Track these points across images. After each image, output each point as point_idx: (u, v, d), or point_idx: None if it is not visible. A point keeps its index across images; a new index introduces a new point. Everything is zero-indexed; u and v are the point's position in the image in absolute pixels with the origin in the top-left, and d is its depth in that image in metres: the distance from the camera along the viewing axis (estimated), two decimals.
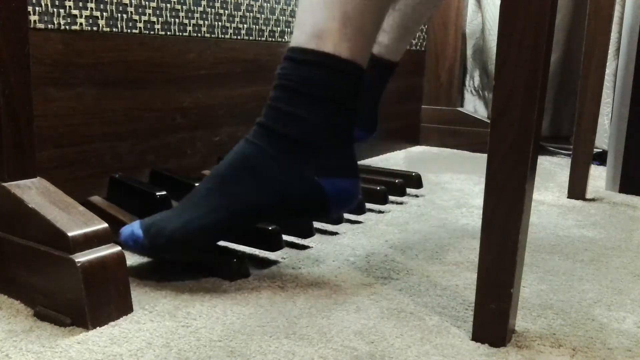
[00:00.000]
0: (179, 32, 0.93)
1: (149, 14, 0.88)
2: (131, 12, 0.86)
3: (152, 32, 0.89)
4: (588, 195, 1.15)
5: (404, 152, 1.60)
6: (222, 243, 0.73)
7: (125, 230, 0.67)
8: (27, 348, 0.52)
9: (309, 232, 0.81)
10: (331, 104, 0.66)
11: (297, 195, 0.66)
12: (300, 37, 0.65)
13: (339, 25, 0.63)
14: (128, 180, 0.84)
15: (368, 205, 0.96)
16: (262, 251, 0.77)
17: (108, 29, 0.83)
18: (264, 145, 0.66)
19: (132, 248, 0.67)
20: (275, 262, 0.75)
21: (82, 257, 0.56)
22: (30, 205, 0.59)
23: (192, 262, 0.72)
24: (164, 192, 0.80)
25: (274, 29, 1.11)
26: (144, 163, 0.90)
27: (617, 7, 1.39)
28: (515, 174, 0.51)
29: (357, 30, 0.64)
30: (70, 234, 0.56)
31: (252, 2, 1.06)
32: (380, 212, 1.00)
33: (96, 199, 0.82)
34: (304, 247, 0.81)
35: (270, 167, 0.65)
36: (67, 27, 0.78)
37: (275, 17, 1.11)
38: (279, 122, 0.66)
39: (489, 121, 0.53)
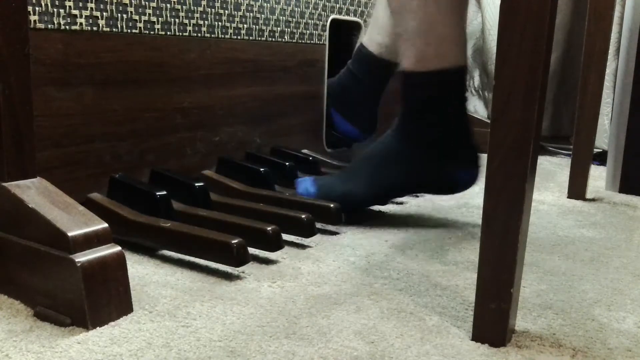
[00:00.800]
0: (179, 32, 0.93)
1: (149, 14, 0.88)
2: (131, 12, 0.86)
3: (152, 32, 0.89)
4: (588, 195, 1.15)
5: None
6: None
7: (302, 185, 0.94)
8: (27, 348, 0.52)
9: (309, 232, 0.81)
10: (449, 109, 0.87)
11: (432, 182, 0.91)
12: (409, 63, 0.85)
13: (436, 48, 0.82)
14: (128, 180, 0.84)
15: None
16: (262, 251, 0.77)
17: (108, 29, 0.83)
18: (405, 143, 0.89)
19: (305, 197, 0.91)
20: (275, 262, 0.75)
21: (82, 257, 0.56)
22: (30, 205, 0.59)
23: (195, 252, 0.72)
24: (164, 192, 0.80)
25: (274, 29, 1.11)
26: (144, 163, 0.90)
27: (617, 7, 1.39)
28: (515, 174, 0.51)
29: (449, 43, 0.83)
30: (70, 234, 0.56)
31: (252, 2, 1.06)
32: (380, 212, 1.00)
33: (96, 195, 0.82)
34: (304, 247, 0.81)
35: (412, 160, 0.89)
36: (67, 27, 0.78)
37: (275, 17, 1.11)
38: (416, 131, 0.88)
39: (489, 121, 0.53)
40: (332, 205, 0.87)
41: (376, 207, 1.01)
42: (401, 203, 1.06)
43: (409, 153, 0.88)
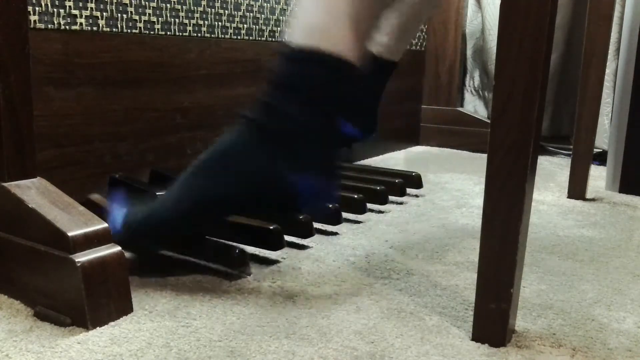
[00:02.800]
0: (179, 32, 0.93)
1: (149, 14, 0.88)
2: (131, 12, 0.86)
3: (152, 32, 0.89)
4: (588, 195, 1.15)
5: (404, 152, 1.60)
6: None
7: (112, 220, 0.66)
8: (27, 348, 0.52)
9: (309, 232, 0.81)
10: (313, 99, 0.64)
11: (266, 191, 0.65)
12: (293, 33, 0.65)
13: (330, 21, 0.63)
14: (128, 180, 0.84)
15: (368, 205, 0.96)
16: (262, 251, 0.77)
17: (108, 29, 0.83)
18: (245, 136, 0.65)
19: (115, 238, 0.62)
20: (275, 262, 0.75)
21: (82, 257, 0.56)
22: (30, 205, 0.59)
23: (192, 254, 0.72)
24: (164, 192, 0.80)
25: (274, 29, 1.11)
26: (144, 163, 0.90)
27: (617, 7, 1.39)
28: (515, 174, 0.51)
29: (348, 27, 0.64)
30: (70, 234, 0.56)
31: (252, 2, 1.06)
32: (380, 212, 1.00)
33: (96, 196, 0.82)
34: (304, 247, 0.81)
35: (246, 162, 0.64)
36: (67, 27, 0.78)
37: (275, 17, 1.11)
38: (263, 115, 0.65)
39: (489, 121, 0.53)
40: (330, 207, 0.85)
41: (376, 207, 1.01)
42: (401, 203, 1.06)
43: (239, 148, 0.65)
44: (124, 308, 0.59)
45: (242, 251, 0.69)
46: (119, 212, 0.67)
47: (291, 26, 0.66)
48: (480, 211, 0.53)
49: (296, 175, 0.65)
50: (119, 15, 0.84)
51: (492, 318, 0.54)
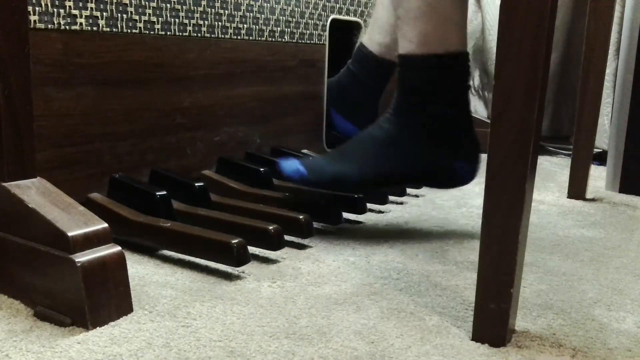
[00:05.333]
0: (179, 32, 0.93)
1: (149, 14, 0.88)
2: (131, 12, 0.86)
3: (152, 32, 0.89)
4: (588, 195, 1.15)
5: None
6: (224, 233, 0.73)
7: (289, 167, 0.85)
8: (27, 348, 0.52)
9: (309, 232, 0.81)
10: (451, 96, 0.82)
11: (428, 172, 0.85)
12: (409, 46, 0.80)
13: (439, 29, 0.79)
14: (128, 180, 0.84)
15: (368, 205, 0.96)
16: (262, 251, 0.77)
17: (108, 29, 0.83)
18: (402, 128, 0.83)
19: (296, 181, 0.85)
20: (275, 262, 0.75)
21: (82, 257, 0.56)
22: (30, 205, 0.59)
23: (195, 252, 0.72)
24: (164, 192, 0.80)
25: (274, 29, 1.11)
26: (144, 163, 0.90)
27: (617, 7, 1.39)
28: (515, 174, 0.51)
29: (453, 25, 0.79)
30: (70, 234, 0.56)
31: (252, 2, 1.06)
32: (380, 212, 1.00)
33: (96, 195, 0.82)
34: (304, 247, 0.81)
35: (408, 147, 0.83)
36: (67, 27, 0.78)
37: (275, 17, 1.11)
38: (413, 115, 0.83)
39: (489, 121, 0.53)
40: (331, 207, 0.87)
41: (376, 207, 1.01)
42: (401, 203, 1.06)
43: (405, 139, 0.82)
44: (124, 308, 0.59)
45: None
46: (290, 161, 0.87)
47: (404, 37, 0.81)
48: (480, 211, 0.53)
49: (455, 159, 0.85)
50: (119, 15, 0.84)
51: (492, 318, 0.54)
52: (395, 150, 0.83)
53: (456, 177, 0.86)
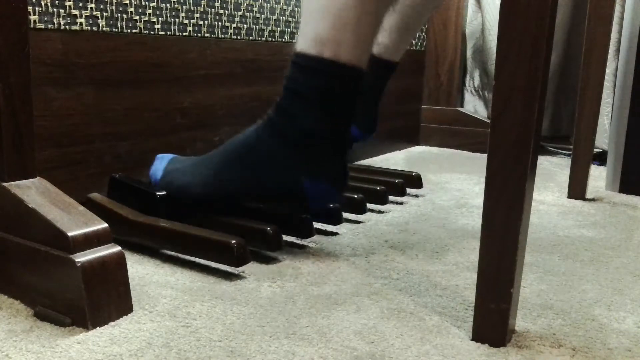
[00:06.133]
0: (179, 32, 0.93)
1: (149, 14, 0.88)
2: (131, 12, 0.86)
3: (152, 32, 0.89)
4: (588, 195, 1.15)
5: (404, 152, 1.60)
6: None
7: (155, 165, 0.83)
8: (27, 348, 0.52)
9: (309, 232, 0.81)
10: (329, 109, 0.71)
11: (281, 192, 0.76)
12: (303, 43, 0.70)
13: (337, 32, 0.68)
14: (128, 180, 0.84)
15: (368, 205, 0.96)
16: (262, 251, 0.77)
17: (108, 29, 0.83)
18: (266, 140, 0.74)
19: (153, 182, 0.82)
20: (275, 262, 0.75)
21: (82, 257, 0.56)
22: (30, 205, 0.59)
23: (195, 252, 0.72)
24: (164, 192, 0.80)
25: (274, 29, 1.11)
26: (144, 163, 0.90)
27: (617, 7, 1.39)
28: (515, 174, 0.51)
29: (355, 35, 0.69)
30: (70, 234, 0.56)
31: (252, 2, 1.06)
32: (380, 212, 1.00)
33: (96, 195, 0.82)
34: (304, 247, 0.81)
35: (265, 164, 0.74)
36: (67, 27, 0.78)
37: (275, 17, 1.11)
38: (281, 122, 0.73)
39: (489, 121, 0.53)
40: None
41: (376, 207, 1.01)
42: (401, 203, 1.06)
43: (264, 149, 0.74)
44: (124, 308, 0.59)
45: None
46: (160, 165, 0.83)
47: (300, 34, 0.71)
48: (480, 211, 0.53)
49: (308, 179, 0.74)
50: (119, 15, 0.84)
51: (492, 318, 0.54)
52: (250, 162, 0.75)
53: (307, 198, 0.75)
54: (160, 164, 0.82)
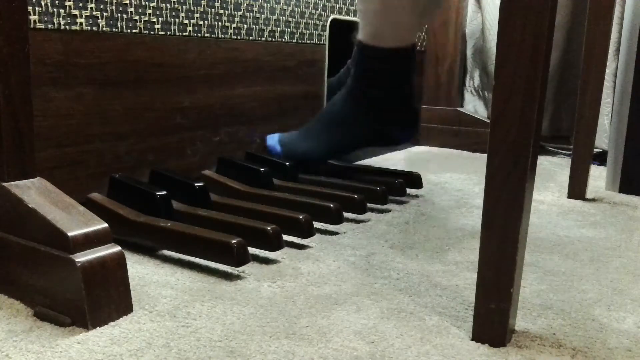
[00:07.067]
0: (179, 32, 0.93)
1: (149, 14, 0.88)
2: (131, 12, 0.86)
3: (152, 32, 0.89)
4: (588, 195, 1.15)
5: (404, 152, 1.60)
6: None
7: (270, 141, 1.10)
8: (27, 348, 0.52)
9: (309, 232, 0.81)
10: (396, 79, 1.00)
11: (373, 139, 1.05)
12: (364, 36, 0.99)
13: (389, 28, 0.96)
14: (128, 180, 0.84)
15: (368, 205, 0.96)
16: (262, 251, 0.77)
17: (108, 29, 0.83)
18: (352, 105, 1.03)
19: (274, 155, 1.09)
20: (275, 262, 0.75)
21: (82, 257, 0.56)
22: (30, 205, 0.59)
23: (195, 252, 0.72)
24: (164, 192, 0.80)
25: (274, 29, 1.11)
26: (144, 163, 0.90)
27: (617, 7, 1.39)
28: (515, 174, 0.51)
29: (403, 26, 0.97)
30: (70, 234, 0.56)
31: (252, 2, 1.06)
32: (380, 212, 1.00)
33: (96, 195, 0.82)
34: (304, 247, 0.81)
35: (356, 120, 1.03)
36: (67, 27, 0.78)
37: (275, 17, 1.11)
38: (362, 95, 1.02)
39: (489, 121, 0.53)
40: (332, 205, 0.86)
41: (376, 207, 1.01)
42: (401, 203, 1.06)
43: (354, 114, 1.03)
44: (124, 308, 0.59)
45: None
46: (274, 137, 1.11)
47: (363, 29, 0.99)
48: (480, 211, 0.53)
49: (389, 128, 1.04)
50: (119, 15, 0.84)
51: (492, 318, 0.54)
52: (346, 124, 1.04)
53: (393, 141, 1.06)
54: (274, 140, 1.10)
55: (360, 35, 0.99)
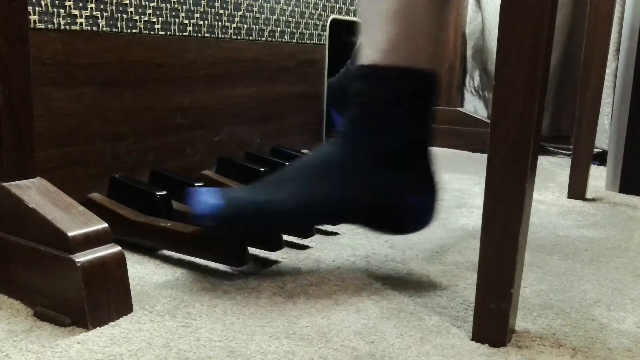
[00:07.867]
0: (179, 32, 0.93)
1: (149, 14, 0.88)
2: (131, 12, 0.86)
3: (152, 32, 0.89)
4: (588, 195, 1.15)
5: None
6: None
7: (199, 198, 0.66)
8: (27, 348, 0.52)
9: (309, 232, 0.81)
10: (409, 114, 0.68)
11: (375, 204, 0.69)
12: (372, 54, 0.66)
13: (406, 39, 0.65)
14: (128, 180, 0.84)
15: None
16: (262, 251, 0.77)
17: (108, 29, 0.83)
18: (350, 153, 0.68)
19: (207, 216, 0.65)
20: (275, 262, 0.75)
21: (82, 257, 0.56)
22: (30, 205, 0.59)
23: (195, 252, 0.72)
24: (164, 192, 0.80)
25: (274, 29, 1.11)
26: (144, 163, 0.90)
27: (617, 7, 1.39)
28: (515, 174, 0.51)
29: (426, 37, 0.66)
30: (70, 234, 0.56)
31: (252, 2, 1.06)
32: None
33: (96, 195, 0.82)
34: (304, 247, 0.81)
35: (355, 174, 0.68)
36: (67, 27, 0.78)
37: (275, 17, 1.11)
38: (364, 135, 0.68)
39: (489, 121, 0.53)
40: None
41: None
42: None
43: (353, 164, 0.68)
44: (124, 308, 0.59)
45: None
46: (209, 192, 0.67)
47: (368, 45, 0.67)
48: (480, 211, 0.53)
49: (400, 194, 0.69)
50: (119, 15, 0.84)
51: (492, 318, 0.54)
52: (339, 177, 0.68)
53: (409, 217, 0.71)
54: (205, 194, 0.66)
55: (366, 53, 0.67)
